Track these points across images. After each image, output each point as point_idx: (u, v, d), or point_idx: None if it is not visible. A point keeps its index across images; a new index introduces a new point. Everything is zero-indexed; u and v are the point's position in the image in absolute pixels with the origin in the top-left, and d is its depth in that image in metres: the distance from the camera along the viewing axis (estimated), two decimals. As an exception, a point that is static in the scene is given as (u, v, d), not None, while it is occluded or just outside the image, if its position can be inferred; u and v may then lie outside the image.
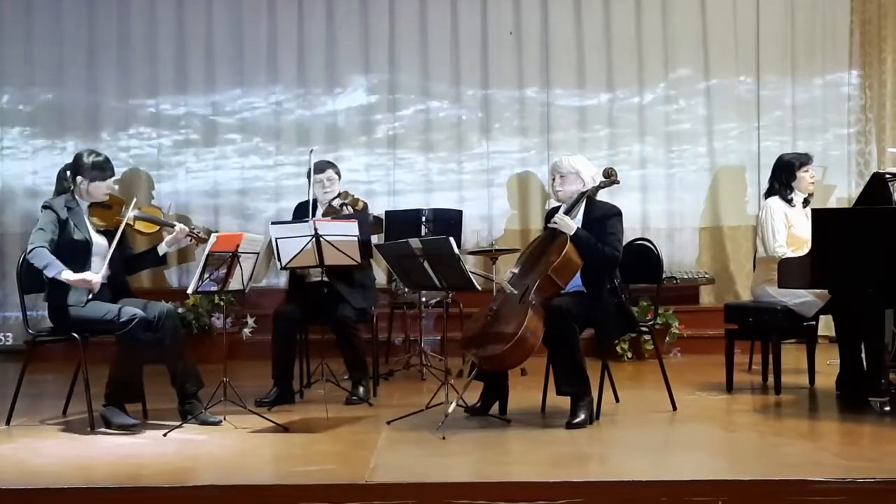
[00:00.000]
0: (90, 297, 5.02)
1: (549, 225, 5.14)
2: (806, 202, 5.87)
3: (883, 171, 5.45)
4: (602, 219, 5.08)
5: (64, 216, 5.06)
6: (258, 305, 7.58)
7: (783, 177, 5.84)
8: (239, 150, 8.52)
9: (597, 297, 5.02)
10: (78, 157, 5.18)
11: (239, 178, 8.50)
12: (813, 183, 5.89)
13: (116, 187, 5.31)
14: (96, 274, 4.98)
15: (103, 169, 5.15)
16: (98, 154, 5.19)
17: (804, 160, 5.87)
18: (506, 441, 4.75)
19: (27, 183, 8.39)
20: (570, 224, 5.02)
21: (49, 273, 4.93)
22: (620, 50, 8.41)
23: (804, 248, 5.47)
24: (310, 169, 6.07)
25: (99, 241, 5.12)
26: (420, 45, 8.45)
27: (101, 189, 5.17)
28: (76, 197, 5.16)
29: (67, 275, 4.91)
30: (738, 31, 8.42)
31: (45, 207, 5.11)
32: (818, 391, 5.86)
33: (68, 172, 5.20)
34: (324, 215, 5.77)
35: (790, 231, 5.71)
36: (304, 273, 5.77)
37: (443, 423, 4.75)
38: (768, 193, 5.89)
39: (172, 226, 5.30)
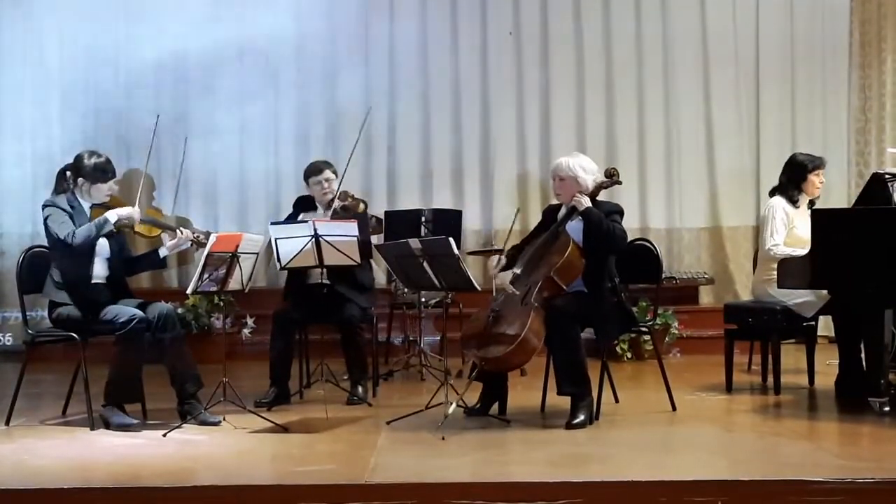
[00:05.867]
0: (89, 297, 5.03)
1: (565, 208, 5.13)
2: (812, 203, 5.85)
3: (882, 171, 5.44)
4: (605, 215, 5.06)
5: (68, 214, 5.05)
6: (258, 305, 7.56)
7: (793, 176, 5.84)
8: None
9: (597, 297, 5.02)
10: (79, 159, 5.14)
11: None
12: (819, 188, 5.86)
13: (118, 188, 5.29)
14: (133, 208, 5.13)
15: (105, 171, 5.13)
16: (99, 155, 5.16)
17: (817, 164, 5.84)
18: (505, 441, 4.75)
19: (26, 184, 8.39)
20: (585, 200, 5.01)
21: (104, 229, 4.98)
22: (620, 51, 8.40)
23: (805, 249, 5.46)
24: (307, 170, 6.06)
25: (101, 241, 5.09)
26: (420, 48, 8.45)
27: (103, 191, 5.16)
28: (77, 197, 5.15)
29: (111, 214, 5.02)
30: (738, 32, 8.39)
31: (49, 205, 5.06)
32: (818, 391, 5.86)
33: (69, 173, 5.16)
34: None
35: (792, 231, 5.70)
36: (304, 273, 5.76)
37: (442, 423, 4.75)
38: (775, 191, 5.89)
39: (174, 229, 5.27)
